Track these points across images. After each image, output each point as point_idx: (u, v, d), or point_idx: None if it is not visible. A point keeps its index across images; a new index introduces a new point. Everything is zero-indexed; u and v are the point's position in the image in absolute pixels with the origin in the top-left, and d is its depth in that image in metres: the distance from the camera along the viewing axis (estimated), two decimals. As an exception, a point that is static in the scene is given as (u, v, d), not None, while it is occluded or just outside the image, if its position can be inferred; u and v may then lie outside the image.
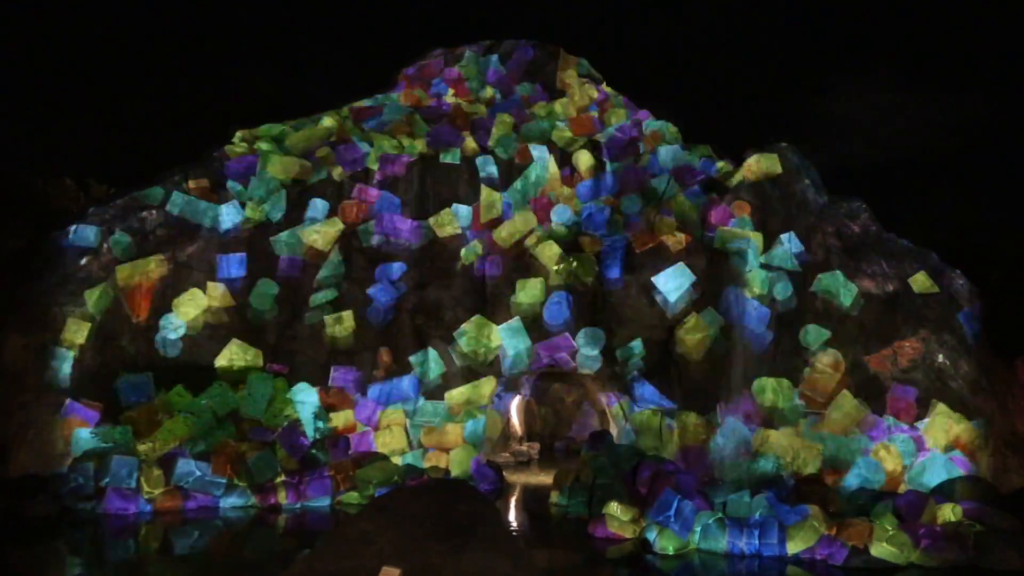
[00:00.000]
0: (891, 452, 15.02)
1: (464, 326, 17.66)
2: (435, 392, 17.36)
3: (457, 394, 17.35)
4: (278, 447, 16.33)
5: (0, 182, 24.45)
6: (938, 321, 16.10)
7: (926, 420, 15.31)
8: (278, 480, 15.93)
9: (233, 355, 17.41)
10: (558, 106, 21.67)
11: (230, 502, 15.49)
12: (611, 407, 17.95)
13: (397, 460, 16.79)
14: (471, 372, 17.56)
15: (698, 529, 12.92)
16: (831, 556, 12.34)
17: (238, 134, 20.41)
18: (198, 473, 15.56)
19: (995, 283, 18.91)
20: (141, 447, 15.64)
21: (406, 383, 17.40)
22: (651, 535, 12.89)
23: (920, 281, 16.53)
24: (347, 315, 17.82)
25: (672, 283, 17.24)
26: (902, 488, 14.66)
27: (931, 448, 15.10)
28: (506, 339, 17.64)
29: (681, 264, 17.31)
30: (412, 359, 17.57)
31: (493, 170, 19.58)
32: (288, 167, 19.25)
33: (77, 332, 16.63)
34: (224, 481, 15.65)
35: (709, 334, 16.74)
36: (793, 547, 12.48)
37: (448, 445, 17.09)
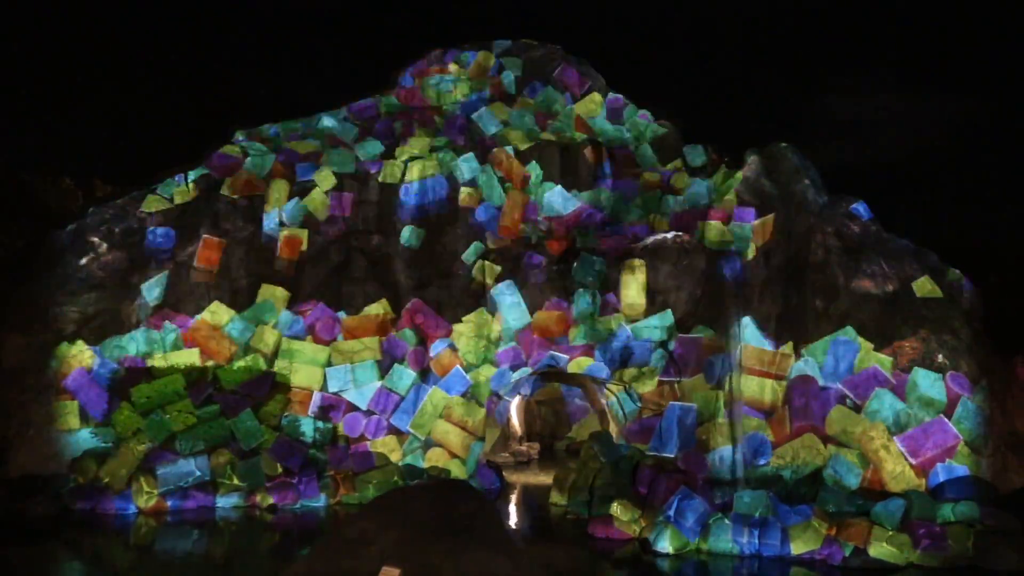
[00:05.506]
0: (891, 452, 14.99)
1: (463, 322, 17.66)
2: (434, 394, 17.32)
3: (454, 406, 17.31)
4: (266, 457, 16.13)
5: (0, 182, 24.39)
6: (938, 321, 16.06)
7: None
8: (277, 481, 15.89)
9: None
10: (558, 106, 21.64)
11: (229, 502, 15.50)
12: (611, 407, 17.93)
13: (397, 460, 16.77)
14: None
15: (699, 529, 12.90)
16: (831, 556, 12.32)
17: (238, 134, 20.40)
18: (198, 473, 15.54)
19: (995, 283, 18.86)
20: (139, 447, 15.59)
21: (407, 386, 17.37)
22: (652, 535, 12.87)
23: (923, 285, 16.36)
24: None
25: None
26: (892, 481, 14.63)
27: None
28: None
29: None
30: (411, 358, 17.55)
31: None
32: None
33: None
34: (222, 481, 15.65)
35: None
36: (795, 548, 12.46)
37: (450, 446, 17.04)
